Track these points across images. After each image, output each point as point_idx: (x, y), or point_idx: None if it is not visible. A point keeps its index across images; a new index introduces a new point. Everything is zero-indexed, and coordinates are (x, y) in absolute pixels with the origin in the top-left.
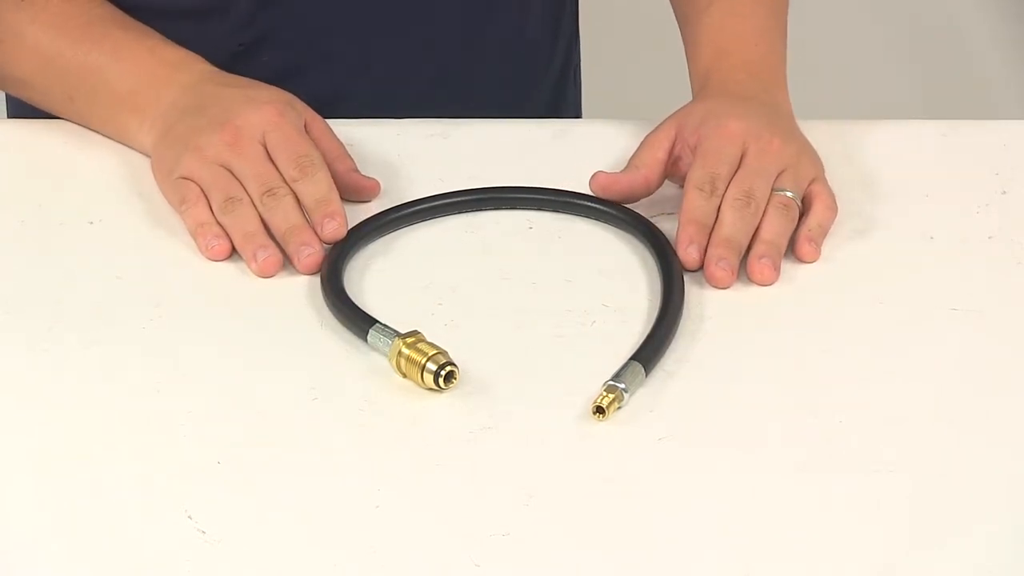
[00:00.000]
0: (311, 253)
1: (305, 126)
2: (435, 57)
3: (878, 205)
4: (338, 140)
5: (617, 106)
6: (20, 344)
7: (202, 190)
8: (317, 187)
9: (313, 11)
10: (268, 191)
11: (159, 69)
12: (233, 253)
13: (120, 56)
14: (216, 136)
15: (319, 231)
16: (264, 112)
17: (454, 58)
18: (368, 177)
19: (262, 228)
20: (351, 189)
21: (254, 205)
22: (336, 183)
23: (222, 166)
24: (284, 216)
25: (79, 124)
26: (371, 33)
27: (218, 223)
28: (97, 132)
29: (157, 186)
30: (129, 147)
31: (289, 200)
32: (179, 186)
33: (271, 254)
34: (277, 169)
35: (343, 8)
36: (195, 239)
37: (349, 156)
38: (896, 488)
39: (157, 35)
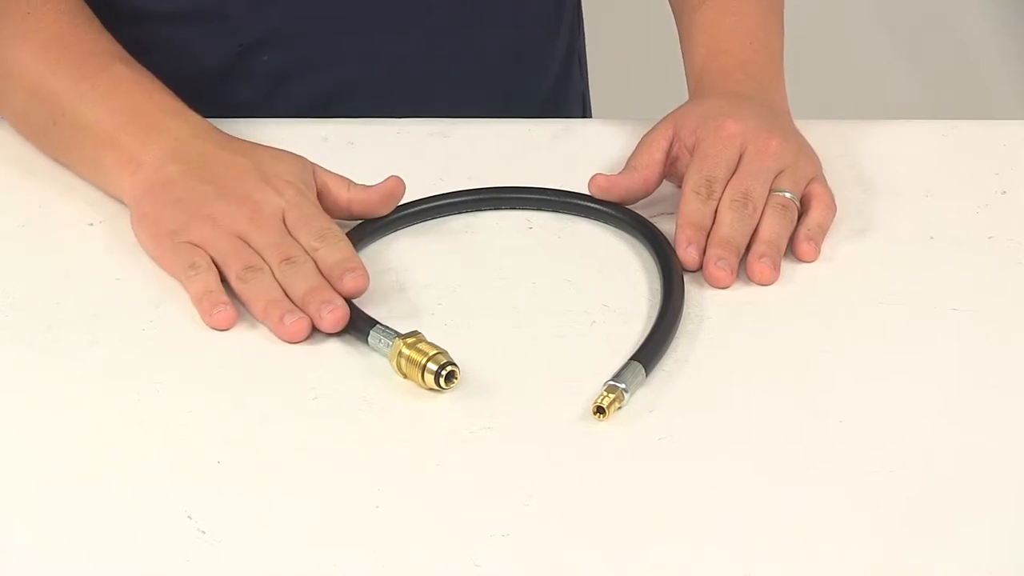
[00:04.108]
0: (333, 308)
1: (314, 173)
2: (435, 52)
3: (878, 205)
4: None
5: (627, 99)
6: (20, 345)
7: (212, 260)
8: (339, 251)
9: (311, 11)
10: (287, 259)
11: (153, 113)
12: (239, 321)
13: (117, 90)
14: (233, 208)
15: (338, 285)
16: (285, 194)
17: (454, 53)
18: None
19: (284, 295)
20: (382, 195)
21: (274, 275)
22: (366, 199)
23: (239, 237)
24: (304, 279)
25: (55, 155)
26: (370, 31)
27: (223, 292)
28: (65, 164)
29: (140, 239)
30: (92, 184)
31: (309, 266)
32: (187, 251)
33: (300, 317)
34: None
35: (341, 7)
36: (197, 305)
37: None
38: (896, 488)
39: (159, 82)
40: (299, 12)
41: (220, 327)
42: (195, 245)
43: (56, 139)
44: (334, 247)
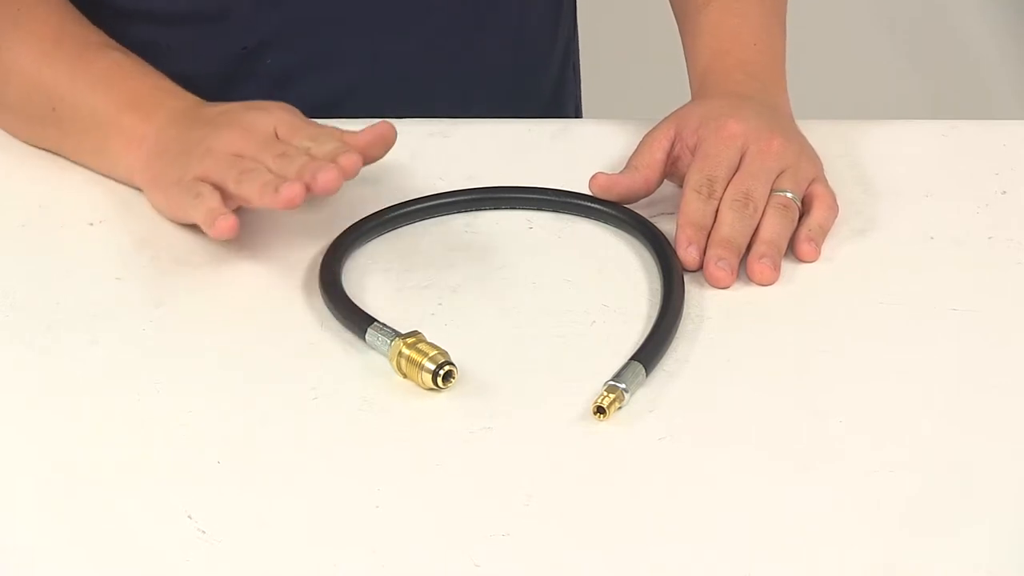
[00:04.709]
0: (327, 171)
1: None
2: (436, 56)
3: (878, 205)
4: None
5: (617, 102)
6: (20, 344)
7: (214, 186)
8: (331, 144)
9: (314, 13)
10: (281, 154)
11: (151, 93)
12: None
13: (114, 76)
14: (225, 133)
15: (336, 164)
16: (272, 112)
17: (455, 53)
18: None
19: (279, 178)
20: (372, 139)
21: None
22: (356, 141)
23: (235, 155)
24: (298, 162)
25: (52, 144)
26: (371, 32)
27: (224, 207)
28: (64, 152)
29: (155, 203)
30: (97, 171)
31: (303, 156)
32: (190, 186)
33: (293, 184)
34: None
35: (344, 9)
36: (203, 226)
37: None
38: (896, 488)
39: (154, 68)
40: (300, 13)
41: (223, 236)
42: (199, 179)
43: (54, 127)
44: (326, 143)
